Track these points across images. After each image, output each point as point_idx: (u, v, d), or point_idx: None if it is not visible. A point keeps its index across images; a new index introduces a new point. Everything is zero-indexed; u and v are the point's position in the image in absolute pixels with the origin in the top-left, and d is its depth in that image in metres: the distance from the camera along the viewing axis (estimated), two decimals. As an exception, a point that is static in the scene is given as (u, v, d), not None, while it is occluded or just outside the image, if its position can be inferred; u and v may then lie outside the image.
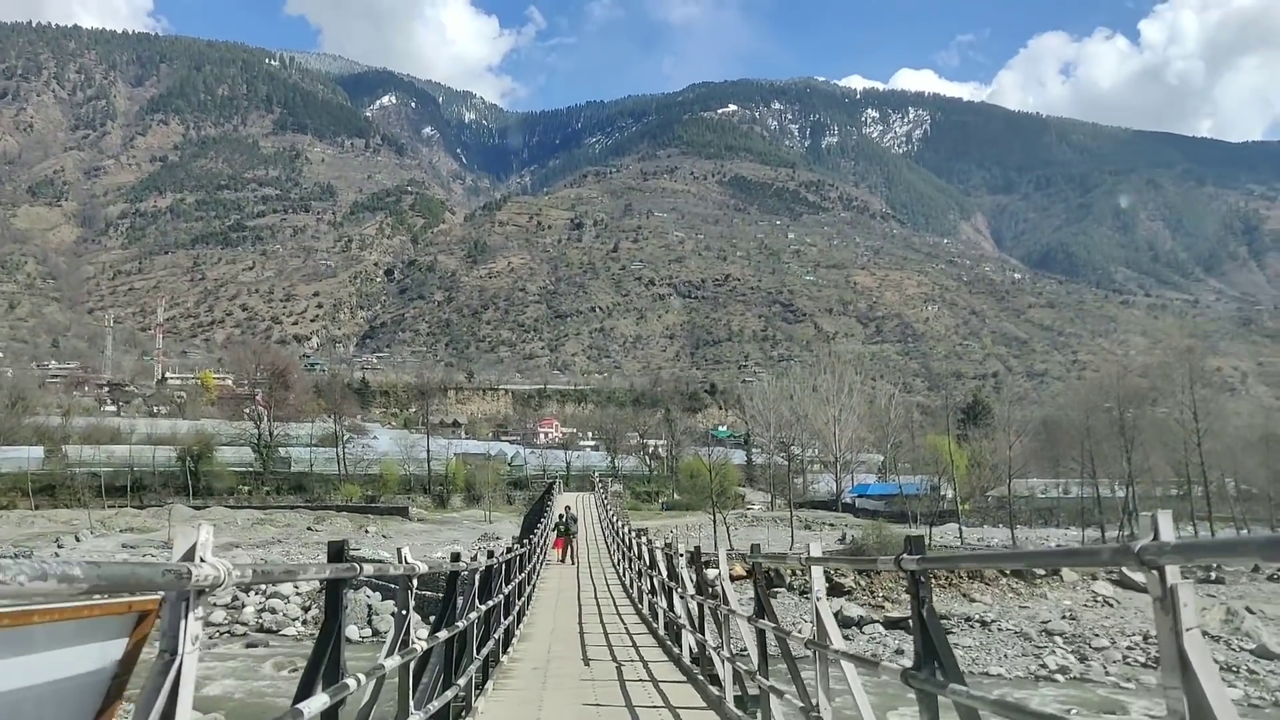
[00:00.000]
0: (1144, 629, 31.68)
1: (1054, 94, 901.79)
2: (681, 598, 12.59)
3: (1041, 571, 41.90)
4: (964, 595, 38.83)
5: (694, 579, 11.95)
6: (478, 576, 10.15)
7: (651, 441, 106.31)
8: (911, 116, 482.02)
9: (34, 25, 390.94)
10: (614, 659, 11.63)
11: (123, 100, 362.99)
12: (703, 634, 10.89)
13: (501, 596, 11.30)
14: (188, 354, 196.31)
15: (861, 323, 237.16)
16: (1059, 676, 26.71)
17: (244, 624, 33.68)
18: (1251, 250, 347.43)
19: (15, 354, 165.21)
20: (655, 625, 15.07)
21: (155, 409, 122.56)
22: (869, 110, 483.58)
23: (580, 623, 15.88)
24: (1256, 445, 62.38)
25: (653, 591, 15.93)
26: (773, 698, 7.20)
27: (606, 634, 14.28)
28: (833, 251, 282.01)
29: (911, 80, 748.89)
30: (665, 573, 14.45)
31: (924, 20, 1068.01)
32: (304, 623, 34.56)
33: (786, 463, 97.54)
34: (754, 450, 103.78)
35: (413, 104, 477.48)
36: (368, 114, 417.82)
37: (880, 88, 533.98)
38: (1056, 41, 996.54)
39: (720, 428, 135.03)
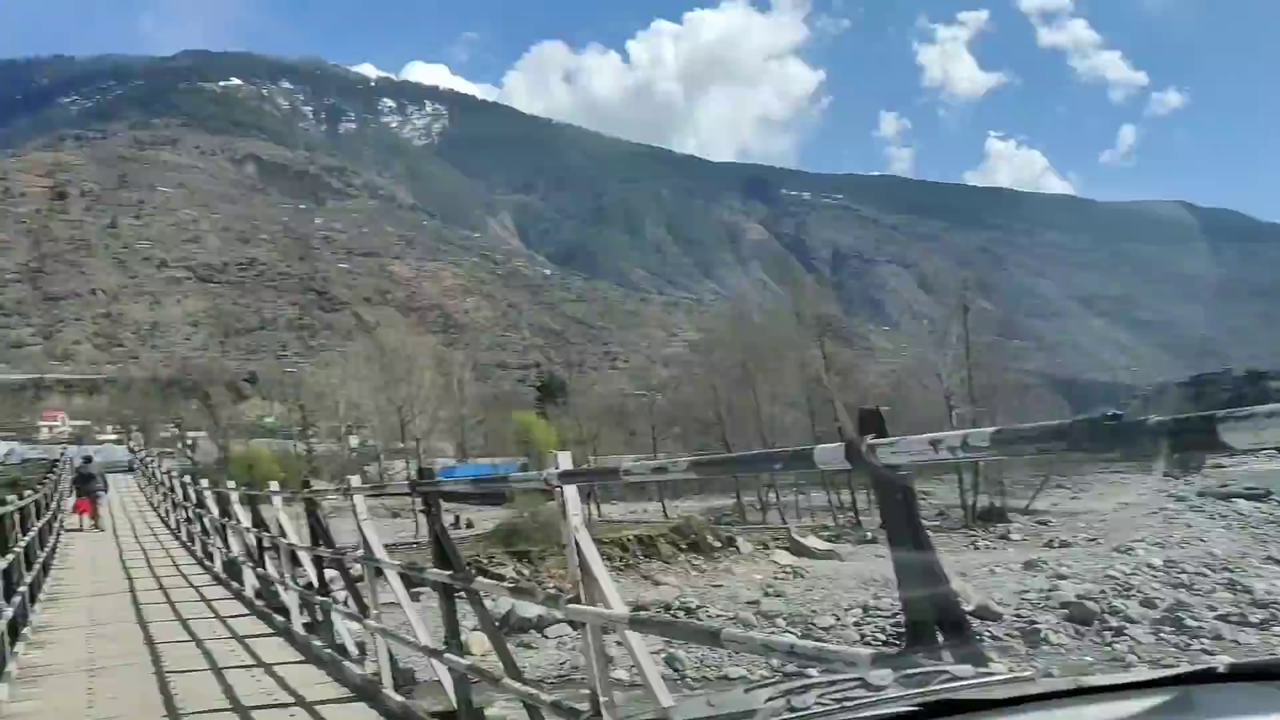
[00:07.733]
0: (856, 600, 27.48)
1: (560, 100, 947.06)
2: (236, 532, 13.59)
3: (717, 543, 37.90)
4: (644, 578, 33.66)
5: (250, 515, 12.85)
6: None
7: (192, 434, 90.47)
8: (429, 110, 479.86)
9: None
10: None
11: None
12: (264, 568, 11.59)
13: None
14: None
15: (402, 312, 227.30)
16: (806, 667, 21.37)
17: None
18: (738, 258, 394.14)
19: None
20: (211, 565, 16.11)
21: None
22: (385, 100, 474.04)
23: None
24: None
25: (205, 532, 16.83)
26: (334, 614, 8.39)
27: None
28: (364, 240, 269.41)
29: (425, 73, 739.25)
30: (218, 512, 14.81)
31: (431, 13, 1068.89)
32: None
33: (351, 451, 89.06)
34: (313, 440, 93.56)
35: None
36: None
37: (394, 78, 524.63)
38: (557, 50, 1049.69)
39: (268, 418, 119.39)
